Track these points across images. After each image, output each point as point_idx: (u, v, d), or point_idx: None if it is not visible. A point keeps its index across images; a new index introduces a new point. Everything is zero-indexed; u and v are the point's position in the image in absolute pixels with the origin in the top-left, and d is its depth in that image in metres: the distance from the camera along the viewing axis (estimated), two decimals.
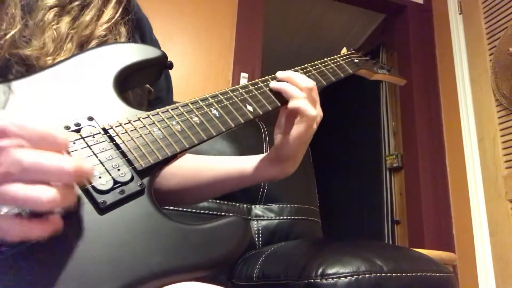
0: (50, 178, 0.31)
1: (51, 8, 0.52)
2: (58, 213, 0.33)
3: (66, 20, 0.52)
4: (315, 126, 0.58)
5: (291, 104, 0.57)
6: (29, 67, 0.48)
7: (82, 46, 0.53)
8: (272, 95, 0.58)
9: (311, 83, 0.58)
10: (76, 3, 0.54)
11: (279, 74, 0.61)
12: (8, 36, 0.46)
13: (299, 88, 0.57)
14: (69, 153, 0.38)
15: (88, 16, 0.54)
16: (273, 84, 0.59)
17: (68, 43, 0.51)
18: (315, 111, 0.57)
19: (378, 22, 2.80)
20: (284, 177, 0.62)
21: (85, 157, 0.38)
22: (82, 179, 0.34)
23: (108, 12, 0.56)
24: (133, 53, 0.51)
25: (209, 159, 0.68)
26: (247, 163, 0.63)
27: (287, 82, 0.59)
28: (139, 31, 0.65)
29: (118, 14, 0.57)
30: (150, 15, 0.71)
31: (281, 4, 2.85)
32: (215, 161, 0.67)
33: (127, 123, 0.44)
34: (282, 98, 0.59)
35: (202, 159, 0.68)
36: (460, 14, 2.17)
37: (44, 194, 0.30)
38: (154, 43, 0.69)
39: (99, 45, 0.52)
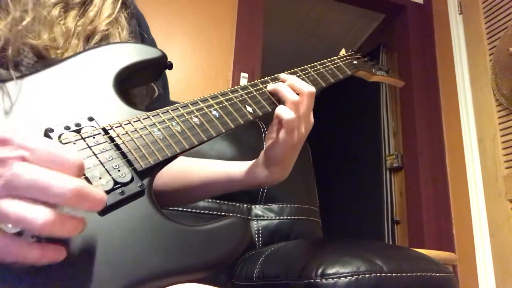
0: (50, 199, 0.28)
1: (55, 4, 0.53)
2: (63, 241, 0.32)
3: (72, 15, 0.54)
4: (300, 132, 0.56)
5: (277, 109, 0.55)
6: (39, 58, 0.48)
7: (88, 41, 0.54)
8: (271, 97, 0.58)
9: (313, 89, 0.58)
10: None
11: (283, 75, 0.61)
12: (25, 22, 0.47)
13: (299, 92, 0.57)
14: (87, 179, 0.37)
15: (92, 12, 0.56)
16: (270, 87, 0.59)
17: (74, 38, 0.52)
18: (293, 115, 0.54)
19: (378, 22, 2.80)
20: (273, 183, 0.61)
21: (86, 157, 0.38)
22: (89, 205, 0.30)
23: (108, 7, 0.58)
24: (133, 53, 0.51)
25: (198, 162, 0.68)
26: (236, 167, 0.63)
27: (287, 85, 0.58)
28: (139, 27, 0.66)
29: (117, 9, 0.59)
30: (150, 15, 0.71)
31: (281, 4, 2.84)
32: (204, 164, 0.67)
33: (127, 124, 0.44)
34: (281, 100, 0.59)
35: (191, 162, 0.68)
36: (460, 14, 2.17)
37: (40, 216, 0.27)
38: (152, 42, 0.70)
39: (100, 44, 0.53)
